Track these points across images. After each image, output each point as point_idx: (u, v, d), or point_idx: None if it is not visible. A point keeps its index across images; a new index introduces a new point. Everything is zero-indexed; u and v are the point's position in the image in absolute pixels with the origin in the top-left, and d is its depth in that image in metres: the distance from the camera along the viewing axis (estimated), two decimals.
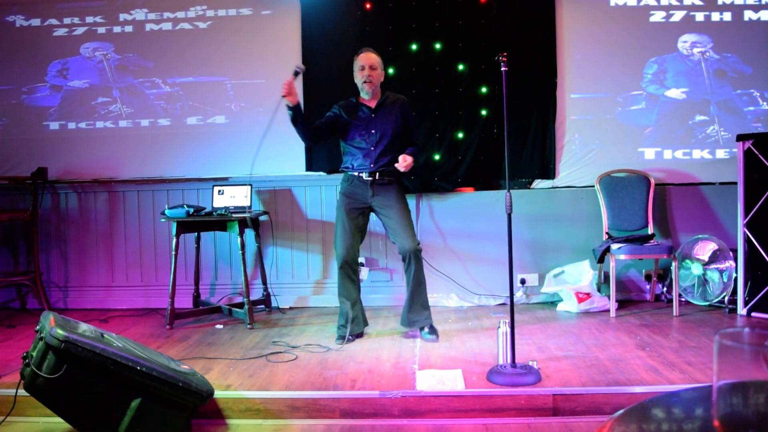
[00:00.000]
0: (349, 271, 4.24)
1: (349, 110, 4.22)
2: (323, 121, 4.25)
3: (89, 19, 5.54)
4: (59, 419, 2.85)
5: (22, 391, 2.77)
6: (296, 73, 4.04)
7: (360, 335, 4.34)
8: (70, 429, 2.94)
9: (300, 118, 4.08)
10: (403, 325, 4.33)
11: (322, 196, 5.42)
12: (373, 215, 4.35)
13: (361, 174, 4.20)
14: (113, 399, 2.75)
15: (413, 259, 4.12)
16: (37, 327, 2.83)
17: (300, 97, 5.30)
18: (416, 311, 4.23)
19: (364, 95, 4.26)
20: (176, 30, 5.50)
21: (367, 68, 4.14)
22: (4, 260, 5.64)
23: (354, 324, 4.25)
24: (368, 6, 5.26)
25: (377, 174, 4.18)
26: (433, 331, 4.23)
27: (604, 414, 3.04)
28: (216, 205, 5.02)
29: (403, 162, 4.04)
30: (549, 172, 5.30)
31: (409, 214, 4.25)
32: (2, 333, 4.65)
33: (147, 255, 5.57)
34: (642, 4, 5.25)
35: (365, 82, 4.15)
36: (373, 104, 4.25)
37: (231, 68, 5.46)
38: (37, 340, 2.77)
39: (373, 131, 4.20)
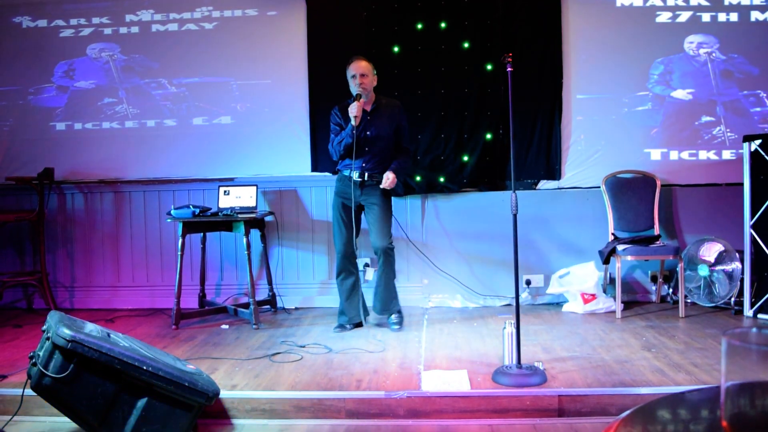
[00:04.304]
0: (348, 264, 4.50)
1: (346, 113, 4.36)
2: (338, 131, 4.45)
3: (95, 20, 5.56)
4: (66, 419, 2.85)
5: (28, 391, 2.78)
6: (359, 96, 4.30)
7: (359, 325, 4.57)
8: (76, 429, 2.95)
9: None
10: (374, 311, 4.63)
11: (327, 197, 5.41)
12: None
13: (352, 174, 4.40)
14: (119, 398, 2.76)
15: (382, 257, 4.42)
16: (44, 327, 2.84)
17: (305, 97, 5.36)
18: (381, 301, 4.55)
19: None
20: (182, 31, 5.52)
21: (358, 76, 4.33)
22: (11, 260, 5.67)
23: (353, 313, 4.51)
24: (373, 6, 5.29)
25: (366, 174, 4.40)
26: (399, 319, 4.55)
27: (609, 415, 3.04)
28: (222, 205, 5.03)
29: (386, 181, 4.36)
30: (555, 173, 5.30)
31: (389, 215, 4.50)
32: (9, 333, 4.66)
33: (153, 255, 5.58)
34: (648, 4, 5.24)
35: (359, 88, 4.33)
36: (368, 107, 4.44)
37: (236, 69, 5.47)
38: (44, 339, 2.78)
39: (368, 133, 4.37)
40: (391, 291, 4.52)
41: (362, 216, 4.56)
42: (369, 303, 4.71)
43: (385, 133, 4.42)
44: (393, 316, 4.55)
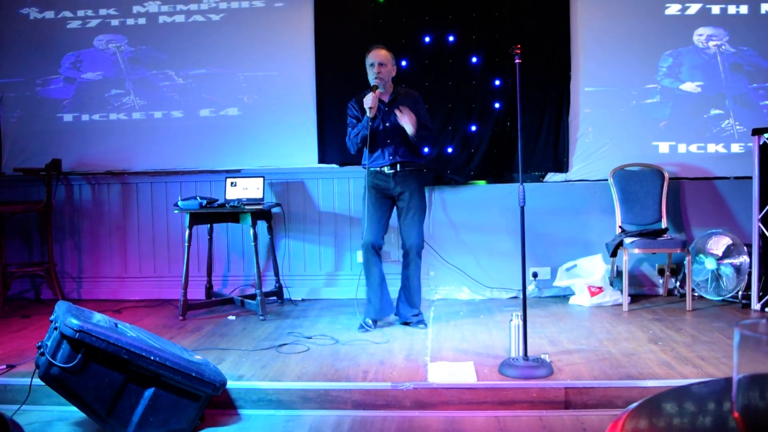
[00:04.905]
0: (370, 254, 4.27)
1: (362, 105, 4.24)
2: (355, 124, 4.33)
3: (103, 12, 5.56)
4: (73, 408, 2.87)
5: (36, 380, 2.79)
6: (375, 88, 4.20)
7: (378, 322, 4.38)
8: (84, 418, 2.97)
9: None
10: (399, 320, 4.44)
11: (334, 189, 5.42)
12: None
13: (382, 168, 4.29)
14: (127, 388, 2.77)
15: (413, 256, 4.28)
16: (52, 317, 2.85)
17: (312, 89, 5.35)
18: (405, 308, 4.39)
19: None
20: (189, 22, 5.51)
21: (376, 65, 4.23)
22: (19, 251, 5.69)
23: (374, 310, 4.33)
24: None
25: (398, 165, 4.28)
26: (419, 323, 4.35)
27: (616, 407, 3.03)
28: (229, 196, 5.04)
29: (400, 114, 4.12)
30: (562, 166, 5.28)
31: (424, 210, 4.36)
32: (17, 323, 4.69)
33: (160, 246, 5.60)
34: None
35: (376, 78, 4.23)
36: (386, 98, 4.34)
37: (244, 60, 5.46)
38: (52, 329, 2.80)
39: (387, 124, 4.27)
40: (415, 299, 4.38)
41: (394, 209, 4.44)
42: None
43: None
44: (421, 325, 4.31)
